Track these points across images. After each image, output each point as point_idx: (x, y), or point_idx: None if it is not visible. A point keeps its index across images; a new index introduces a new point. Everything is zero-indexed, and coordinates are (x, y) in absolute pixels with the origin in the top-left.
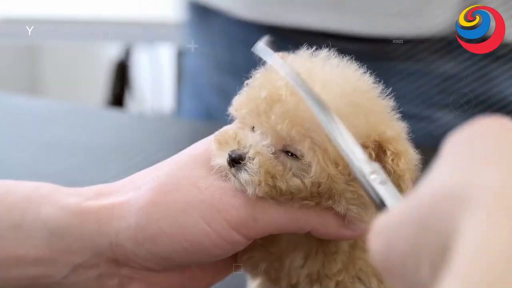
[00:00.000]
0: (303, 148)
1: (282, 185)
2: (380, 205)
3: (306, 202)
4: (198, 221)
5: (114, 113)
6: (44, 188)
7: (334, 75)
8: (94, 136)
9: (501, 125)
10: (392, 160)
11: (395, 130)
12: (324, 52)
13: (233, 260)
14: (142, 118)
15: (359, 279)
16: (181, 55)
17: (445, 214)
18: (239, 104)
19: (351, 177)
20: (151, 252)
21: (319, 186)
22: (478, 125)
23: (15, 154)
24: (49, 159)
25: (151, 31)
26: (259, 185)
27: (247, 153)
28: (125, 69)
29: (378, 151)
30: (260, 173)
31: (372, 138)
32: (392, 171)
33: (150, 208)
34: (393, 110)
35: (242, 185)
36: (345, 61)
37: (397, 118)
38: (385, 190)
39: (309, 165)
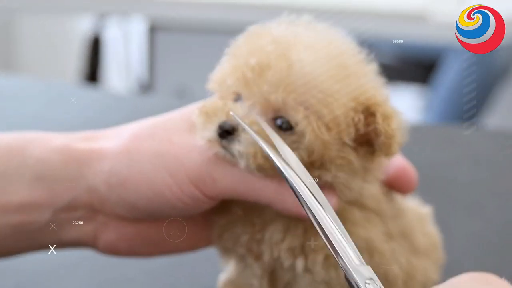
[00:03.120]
0: (297, 116)
1: None
2: None
3: None
4: (161, 171)
5: (89, 90)
6: (29, 134)
7: (319, 38)
8: (69, 113)
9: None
10: (383, 120)
11: (383, 94)
12: (305, 17)
13: (209, 233)
14: (117, 95)
15: None
16: (153, 30)
17: None
18: (221, 76)
19: (342, 141)
20: (120, 197)
21: (312, 155)
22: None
23: None
24: None
25: (124, 4)
26: (254, 156)
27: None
28: (99, 43)
29: (367, 115)
30: (255, 144)
31: (361, 101)
32: (383, 131)
33: (124, 154)
34: (378, 75)
35: (235, 157)
36: (327, 25)
37: (383, 83)
38: None
39: (302, 134)
